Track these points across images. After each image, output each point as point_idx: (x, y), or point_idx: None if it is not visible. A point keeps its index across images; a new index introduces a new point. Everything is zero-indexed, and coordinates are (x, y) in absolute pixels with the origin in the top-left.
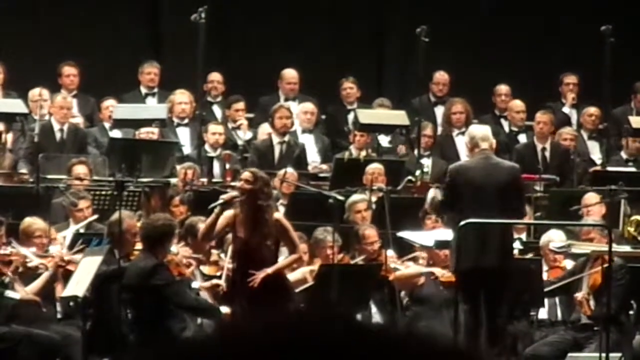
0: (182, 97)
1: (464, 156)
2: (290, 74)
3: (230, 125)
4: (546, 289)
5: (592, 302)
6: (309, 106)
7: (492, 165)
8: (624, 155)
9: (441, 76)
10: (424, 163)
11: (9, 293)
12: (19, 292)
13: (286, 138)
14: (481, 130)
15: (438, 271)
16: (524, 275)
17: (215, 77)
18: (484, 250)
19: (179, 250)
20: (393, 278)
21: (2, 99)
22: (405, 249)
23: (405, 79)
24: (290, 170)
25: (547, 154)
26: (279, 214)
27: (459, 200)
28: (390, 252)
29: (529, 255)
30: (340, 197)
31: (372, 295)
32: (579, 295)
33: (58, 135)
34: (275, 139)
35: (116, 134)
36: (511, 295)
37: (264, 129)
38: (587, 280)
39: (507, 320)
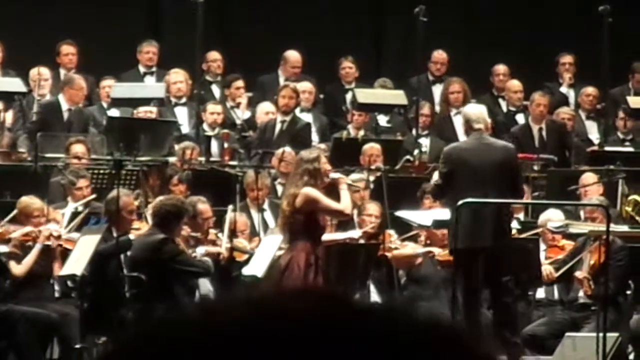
0: (176, 77)
1: (461, 136)
2: (294, 57)
3: (228, 104)
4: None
5: (591, 282)
6: (307, 85)
7: (486, 146)
8: (620, 135)
9: (439, 55)
10: (422, 143)
11: None
12: (14, 270)
13: (288, 117)
14: (475, 111)
15: (436, 250)
16: (522, 254)
17: (215, 55)
18: (479, 229)
19: None
20: (391, 256)
21: (1, 78)
22: (403, 229)
23: (403, 58)
24: (288, 149)
25: (544, 133)
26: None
27: (455, 181)
28: (390, 232)
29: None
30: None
31: (371, 275)
32: (579, 274)
33: (66, 115)
34: (278, 118)
35: (114, 113)
36: (509, 275)
37: (263, 108)
38: (587, 259)
39: (509, 299)
